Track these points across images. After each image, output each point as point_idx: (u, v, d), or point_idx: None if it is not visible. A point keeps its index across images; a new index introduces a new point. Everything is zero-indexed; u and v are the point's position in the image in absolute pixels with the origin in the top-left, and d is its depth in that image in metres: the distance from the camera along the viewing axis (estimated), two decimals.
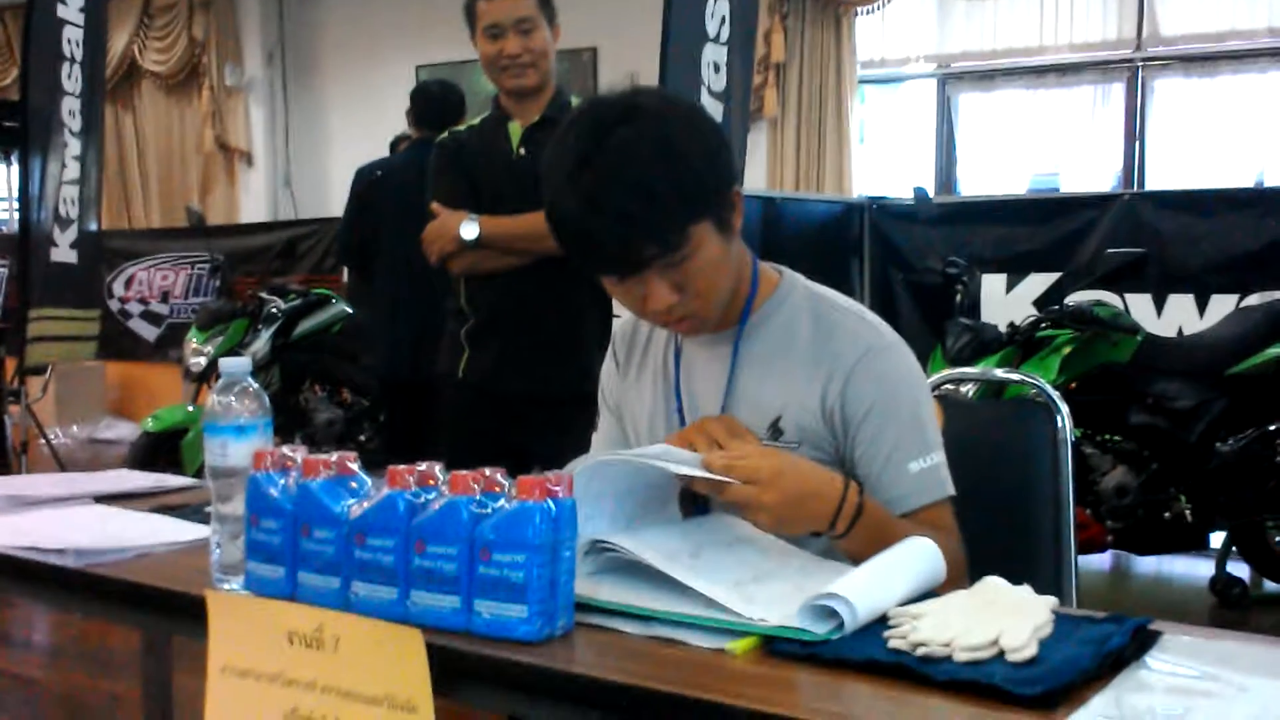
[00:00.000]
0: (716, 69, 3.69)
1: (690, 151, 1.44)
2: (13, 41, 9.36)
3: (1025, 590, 1.23)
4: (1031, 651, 1.09)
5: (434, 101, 4.35)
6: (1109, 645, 1.11)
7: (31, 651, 4.15)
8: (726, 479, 1.33)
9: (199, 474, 2.28)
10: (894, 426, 1.51)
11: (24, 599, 3.73)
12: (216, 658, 1.21)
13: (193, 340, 5.13)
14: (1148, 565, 4.88)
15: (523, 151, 2.77)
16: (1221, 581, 4.23)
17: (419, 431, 4.03)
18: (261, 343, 5.06)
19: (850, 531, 1.39)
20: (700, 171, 1.45)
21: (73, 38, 5.69)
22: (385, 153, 5.14)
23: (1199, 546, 4.22)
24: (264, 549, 1.32)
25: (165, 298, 8.23)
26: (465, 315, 2.83)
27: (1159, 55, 6.24)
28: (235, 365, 1.42)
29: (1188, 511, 4.00)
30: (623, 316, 1.79)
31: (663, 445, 1.42)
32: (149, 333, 8.35)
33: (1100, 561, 4.83)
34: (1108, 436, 4.05)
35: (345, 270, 6.57)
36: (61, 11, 5.65)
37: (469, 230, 2.71)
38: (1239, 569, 4.30)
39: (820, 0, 6.75)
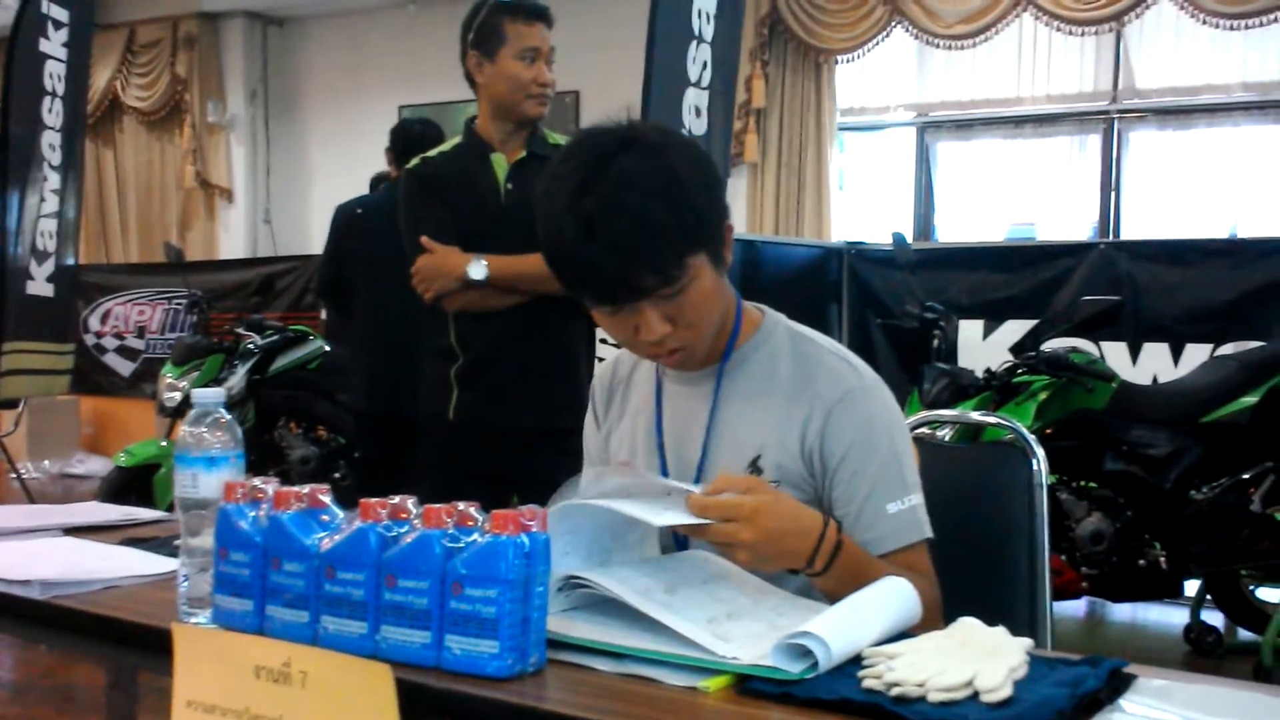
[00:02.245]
0: (698, 113, 3.71)
1: (690, 182, 1.44)
2: None
3: (1000, 632, 1.23)
4: (1006, 693, 1.08)
5: (415, 140, 4.32)
6: (1084, 687, 1.10)
7: None
8: (705, 520, 1.32)
9: (171, 509, 2.25)
10: (872, 467, 1.50)
11: None
12: (182, 692, 1.19)
13: (168, 375, 5.09)
14: (1122, 613, 4.88)
15: (509, 186, 2.77)
16: (1196, 630, 4.23)
17: (392, 467, 4.01)
18: (237, 378, 5.02)
19: (829, 569, 1.38)
20: (699, 203, 1.45)
21: (55, 72, 5.70)
22: (366, 191, 5.13)
23: (1174, 594, 4.21)
24: (232, 582, 1.30)
25: (141, 333, 8.18)
26: (455, 354, 2.77)
27: (1134, 107, 6.33)
28: (208, 396, 1.40)
29: (1162, 559, 4.00)
30: (602, 361, 1.79)
31: (641, 473, 1.40)
32: (124, 368, 8.29)
33: (1075, 608, 4.82)
34: (1083, 483, 4.05)
35: (324, 307, 6.54)
36: (44, 46, 5.65)
37: (478, 270, 2.65)
38: (1214, 617, 4.31)
39: (801, 48, 6.83)
